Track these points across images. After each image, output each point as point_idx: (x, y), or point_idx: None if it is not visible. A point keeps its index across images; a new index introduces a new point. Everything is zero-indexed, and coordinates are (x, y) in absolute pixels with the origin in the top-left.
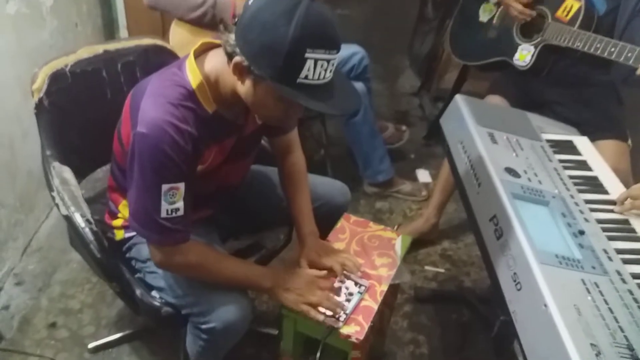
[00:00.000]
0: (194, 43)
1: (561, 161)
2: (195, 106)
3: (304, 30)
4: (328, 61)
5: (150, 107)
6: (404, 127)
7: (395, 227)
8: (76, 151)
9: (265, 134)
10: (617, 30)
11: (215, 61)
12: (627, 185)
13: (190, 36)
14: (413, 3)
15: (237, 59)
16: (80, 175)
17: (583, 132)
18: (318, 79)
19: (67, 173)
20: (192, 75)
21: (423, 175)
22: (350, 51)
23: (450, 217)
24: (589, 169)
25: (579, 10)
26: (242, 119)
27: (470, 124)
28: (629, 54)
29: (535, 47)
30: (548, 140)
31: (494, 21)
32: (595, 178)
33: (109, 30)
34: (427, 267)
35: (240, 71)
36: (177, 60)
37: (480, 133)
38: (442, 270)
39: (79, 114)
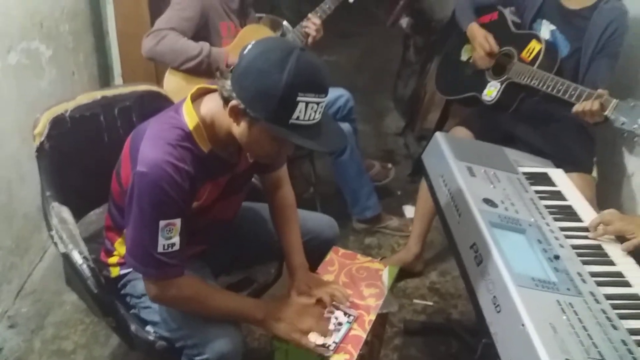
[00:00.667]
0: (188, 89)
1: (537, 192)
2: (192, 146)
3: (296, 77)
4: (317, 104)
5: (150, 148)
6: (389, 165)
7: (380, 259)
8: (74, 192)
9: (256, 171)
10: (581, 71)
11: (211, 105)
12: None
13: (184, 83)
14: (396, 48)
15: (233, 102)
16: (77, 215)
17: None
18: (308, 119)
19: (66, 213)
20: (189, 118)
21: (409, 211)
22: (337, 94)
23: (438, 251)
24: (564, 199)
25: (539, 51)
26: (236, 158)
27: (449, 159)
28: (573, 92)
29: (501, 84)
30: (524, 173)
31: (472, 60)
32: (569, 207)
33: (105, 78)
34: (415, 301)
35: (236, 114)
36: (171, 105)
37: (459, 167)
38: (430, 303)
39: (78, 157)
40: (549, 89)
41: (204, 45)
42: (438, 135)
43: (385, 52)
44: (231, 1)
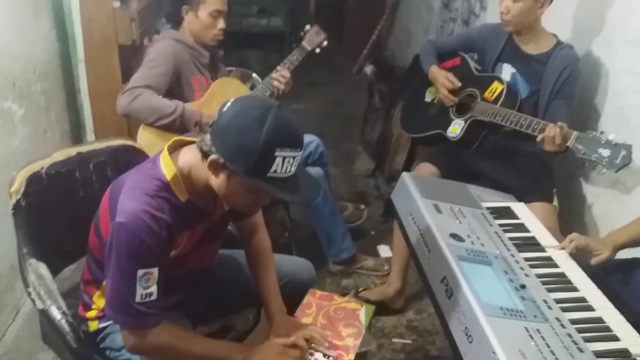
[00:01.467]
0: (161, 144)
1: (501, 225)
2: (170, 196)
3: (274, 134)
4: (294, 157)
5: (128, 199)
6: (362, 206)
7: (361, 289)
8: (51, 248)
9: (232, 219)
10: (540, 111)
11: (188, 156)
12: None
13: (157, 138)
14: (362, 95)
15: (213, 157)
16: (53, 271)
17: (514, 197)
18: (285, 172)
19: (43, 269)
20: (167, 169)
21: (384, 251)
22: (307, 140)
23: (414, 290)
24: (527, 231)
25: (501, 91)
26: (212, 206)
27: (417, 198)
28: (535, 126)
29: (465, 122)
30: (488, 208)
31: (436, 101)
32: (532, 238)
33: (77, 135)
34: (394, 340)
35: (216, 167)
36: (146, 158)
37: (426, 205)
38: (409, 342)
39: (54, 213)
40: (513, 124)
41: (178, 104)
42: (405, 175)
43: (351, 99)
44: (202, 56)
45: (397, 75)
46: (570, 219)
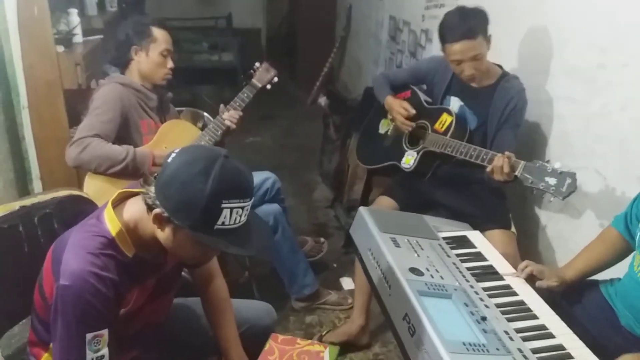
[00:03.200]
0: (110, 192)
1: (458, 255)
2: (116, 253)
3: (220, 185)
4: (242, 208)
5: (72, 259)
6: (322, 239)
7: (324, 332)
8: None
9: (185, 267)
10: (488, 141)
11: (134, 209)
12: (516, 267)
13: (105, 185)
14: (317, 126)
15: (157, 210)
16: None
17: (472, 225)
18: (234, 223)
19: None
20: (111, 224)
21: (347, 283)
22: (263, 177)
23: (379, 322)
24: (484, 259)
25: (450, 123)
26: (162, 258)
27: (374, 232)
28: (484, 156)
29: (418, 153)
30: (444, 238)
31: (389, 132)
32: (490, 267)
33: (22, 182)
34: None
35: (160, 221)
36: (95, 208)
37: (384, 239)
38: None
39: None
40: (462, 155)
41: (129, 149)
42: (362, 210)
43: (307, 129)
44: (149, 99)
45: (350, 107)
46: (526, 241)
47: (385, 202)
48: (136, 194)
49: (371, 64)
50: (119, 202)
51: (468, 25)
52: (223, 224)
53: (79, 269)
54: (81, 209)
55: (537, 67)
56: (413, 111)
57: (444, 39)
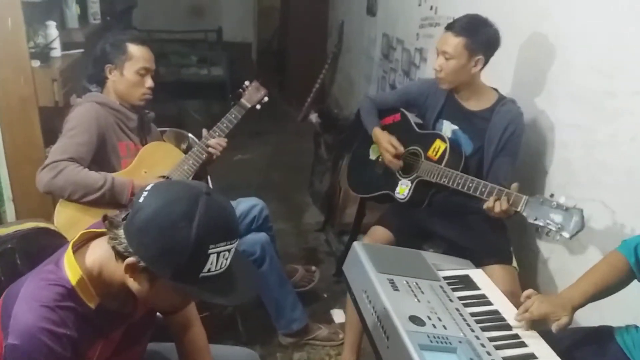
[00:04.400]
0: (83, 222)
1: (461, 298)
2: (75, 304)
3: (206, 229)
4: (229, 250)
5: (23, 313)
6: (313, 268)
7: None
8: None
9: (159, 312)
10: (485, 168)
11: (98, 253)
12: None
13: (78, 215)
14: (307, 143)
15: (130, 260)
16: None
17: (471, 259)
18: (220, 268)
19: None
20: (71, 272)
21: (338, 316)
22: (250, 204)
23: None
24: (489, 303)
25: (445, 150)
26: (131, 307)
27: (370, 272)
28: (483, 189)
29: (412, 182)
30: (445, 278)
31: (380, 159)
32: (495, 312)
33: None
34: None
35: (134, 270)
36: (63, 242)
37: (381, 281)
38: None
39: None
40: (459, 187)
41: (107, 176)
42: (356, 246)
43: (297, 147)
44: (129, 120)
45: (343, 126)
46: (525, 274)
47: (379, 233)
48: (101, 234)
49: (363, 81)
50: (82, 244)
51: (463, 23)
52: (209, 270)
53: (31, 326)
54: (48, 243)
55: (537, 90)
56: (401, 149)
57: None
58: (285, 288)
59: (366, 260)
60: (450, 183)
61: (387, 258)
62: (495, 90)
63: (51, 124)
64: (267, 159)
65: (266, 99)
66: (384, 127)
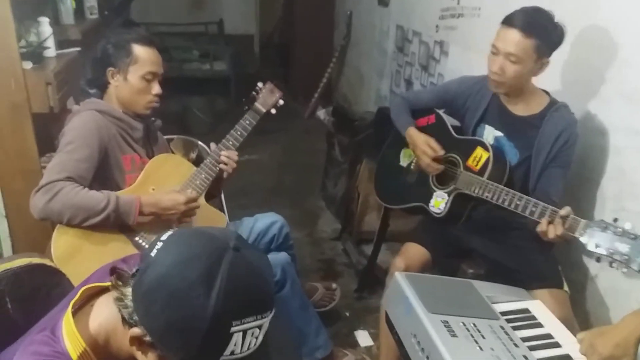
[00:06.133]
0: (84, 251)
1: (525, 339)
2: None
3: (229, 299)
4: (260, 327)
5: None
6: (334, 285)
7: None
8: None
9: None
10: (531, 181)
11: (105, 316)
12: (572, 331)
13: (79, 242)
14: (316, 140)
15: (135, 331)
16: None
17: (517, 282)
18: (247, 349)
19: None
20: (71, 343)
21: (363, 338)
22: (269, 221)
23: None
24: (557, 345)
25: (487, 160)
26: None
27: (420, 313)
28: (533, 209)
29: (449, 195)
30: (503, 313)
31: (412, 166)
32: (567, 357)
33: None
34: None
35: (141, 344)
36: (61, 279)
37: (435, 324)
38: None
39: None
40: (505, 203)
41: (110, 196)
42: (399, 277)
43: (307, 145)
44: (133, 130)
45: (359, 127)
46: (574, 292)
47: (415, 251)
48: (106, 289)
49: (375, 76)
50: (83, 303)
51: (531, 20)
52: (232, 353)
53: None
54: (43, 281)
55: (589, 92)
56: (441, 152)
57: (504, 19)
58: (308, 312)
59: (413, 296)
60: (494, 199)
61: (436, 292)
62: (547, 93)
63: (46, 132)
64: (276, 159)
65: (282, 102)
66: (419, 130)
